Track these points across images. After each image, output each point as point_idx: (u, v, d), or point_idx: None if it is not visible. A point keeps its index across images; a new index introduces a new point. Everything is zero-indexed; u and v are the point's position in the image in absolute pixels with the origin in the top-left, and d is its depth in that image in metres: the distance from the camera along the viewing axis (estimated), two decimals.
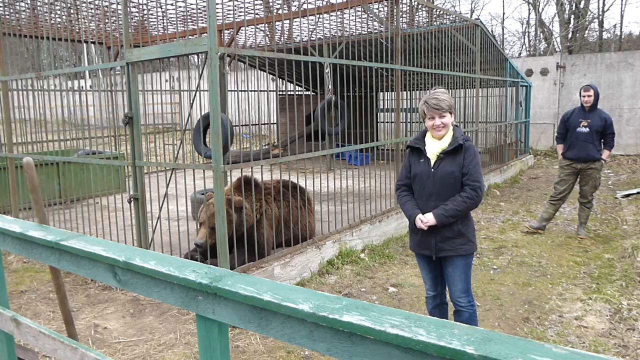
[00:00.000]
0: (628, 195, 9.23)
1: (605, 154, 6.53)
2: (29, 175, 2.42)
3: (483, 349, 1.07)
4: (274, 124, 13.38)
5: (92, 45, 9.72)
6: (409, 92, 9.16)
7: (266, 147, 10.90)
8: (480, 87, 9.83)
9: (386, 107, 13.74)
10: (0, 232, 2.55)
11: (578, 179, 6.75)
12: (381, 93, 13.95)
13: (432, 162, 3.34)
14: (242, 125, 12.14)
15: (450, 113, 3.28)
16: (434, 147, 3.35)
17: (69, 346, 2.33)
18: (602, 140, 6.54)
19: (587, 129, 6.45)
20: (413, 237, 3.51)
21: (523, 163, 12.68)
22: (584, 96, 6.51)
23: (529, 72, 15.64)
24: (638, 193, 9.22)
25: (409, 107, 9.05)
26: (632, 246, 5.81)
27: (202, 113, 5.18)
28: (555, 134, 7.17)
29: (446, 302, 3.70)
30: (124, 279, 1.93)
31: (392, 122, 11.20)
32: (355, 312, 1.30)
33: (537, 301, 4.72)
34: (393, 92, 12.73)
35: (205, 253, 4.46)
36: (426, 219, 3.30)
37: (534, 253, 6.14)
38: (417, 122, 10.02)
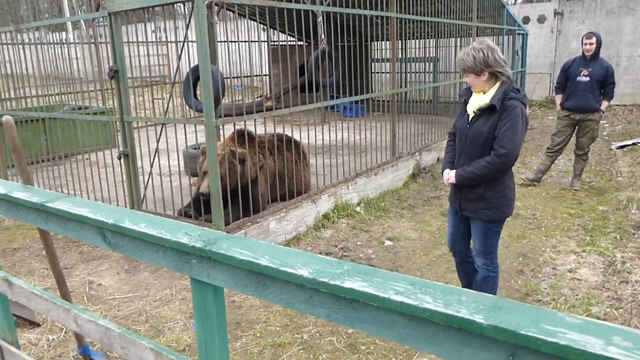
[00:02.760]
0: (623, 147, 9.20)
1: (604, 104, 6.43)
2: (9, 134, 2.30)
3: (493, 317, 1.02)
4: (265, 75, 13.07)
5: None
6: (404, 42, 8.92)
7: (259, 99, 10.68)
8: (476, 36, 9.56)
9: (380, 57, 13.41)
10: None
11: (575, 131, 6.68)
12: (375, 43, 13.59)
13: (470, 118, 3.20)
14: (233, 78, 11.86)
15: (477, 73, 3.04)
16: (473, 103, 3.18)
17: (61, 307, 2.28)
18: (602, 91, 6.42)
19: (588, 79, 6.31)
20: (450, 188, 3.47)
21: None
22: (585, 44, 6.33)
23: (526, 20, 15.25)
24: (634, 144, 9.18)
25: (404, 56, 8.83)
26: (627, 198, 5.81)
27: (192, 65, 4.99)
28: (554, 84, 7.02)
29: (469, 262, 3.58)
30: (114, 242, 1.86)
31: (387, 73, 10.95)
32: (358, 278, 1.24)
33: (531, 254, 4.74)
34: (388, 42, 12.40)
35: (204, 204, 4.37)
36: (447, 176, 3.29)
37: (529, 205, 6.14)
38: (413, 72, 9.81)
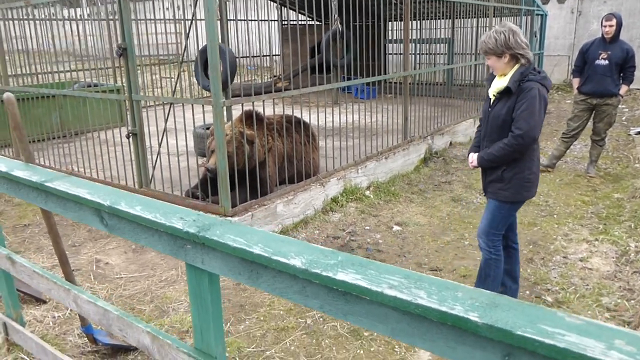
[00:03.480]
0: None
1: (623, 89, 6.24)
2: (10, 112, 2.28)
3: (488, 316, 0.97)
4: (277, 55, 12.93)
5: None
6: (418, 22, 8.72)
7: (270, 80, 10.59)
8: (494, 16, 9.33)
9: (395, 37, 13.18)
10: None
11: (592, 115, 6.51)
12: (391, 23, 13.35)
13: (491, 102, 3.25)
14: (243, 57, 11.76)
15: (499, 55, 3.06)
16: (493, 86, 3.21)
17: (62, 287, 2.28)
18: (622, 75, 6.23)
19: (607, 62, 6.12)
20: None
21: None
22: (605, 26, 6.14)
23: (545, 0, 14.85)
24: None
25: (418, 37, 8.64)
26: None
27: (204, 44, 4.92)
28: (572, 67, 6.83)
29: (513, 247, 3.59)
30: (111, 224, 1.83)
31: (400, 54, 10.76)
32: (351, 270, 1.20)
33: (542, 241, 4.66)
34: (399, 22, 12.18)
35: (211, 186, 4.35)
36: (471, 159, 3.38)
37: (542, 192, 6.02)
38: (427, 53, 9.63)
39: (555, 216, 5.26)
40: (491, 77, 3.31)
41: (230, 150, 4.27)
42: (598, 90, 6.23)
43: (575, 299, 3.65)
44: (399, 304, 1.07)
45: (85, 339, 3.04)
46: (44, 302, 3.55)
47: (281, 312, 3.44)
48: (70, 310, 3.44)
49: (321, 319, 3.37)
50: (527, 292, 3.81)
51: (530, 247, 4.55)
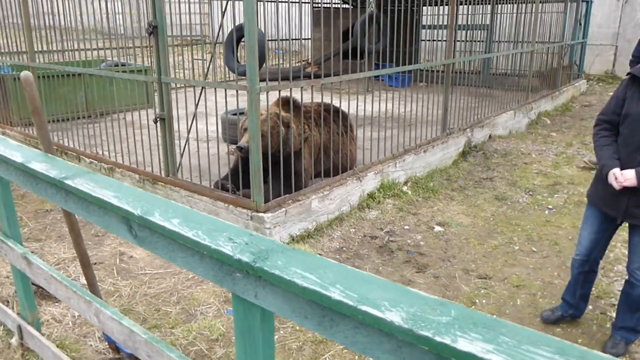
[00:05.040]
0: None
1: None
2: (29, 93, 1.98)
3: None
4: (307, 39, 12.52)
5: None
6: (458, 6, 8.26)
7: (299, 65, 10.22)
8: (539, 2, 8.77)
9: (430, 23, 12.64)
10: (3, 160, 2.16)
11: None
12: (425, 8, 12.80)
13: None
14: (271, 40, 11.38)
15: None
16: None
17: (82, 298, 1.98)
18: None
19: None
20: (598, 187, 2.95)
21: (575, 89, 11.70)
22: None
23: None
24: None
25: (457, 23, 8.18)
26: None
27: (234, 25, 4.59)
28: (630, 57, 6.30)
29: (596, 271, 3.20)
30: (142, 236, 1.51)
31: (437, 41, 10.28)
32: (475, 335, 0.86)
33: None
34: (439, 7, 11.64)
35: (243, 177, 4.03)
36: (624, 178, 2.68)
37: None
38: (468, 40, 9.16)
39: None
40: None
41: (264, 129, 3.94)
42: None
43: None
44: None
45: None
46: None
47: None
48: None
49: None
50: (590, 306, 3.44)
51: None
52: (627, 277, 3.03)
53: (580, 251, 3.10)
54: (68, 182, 1.72)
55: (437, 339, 0.85)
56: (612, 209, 2.85)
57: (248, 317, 1.27)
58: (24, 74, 1.97)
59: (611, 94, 11.45)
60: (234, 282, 1.23)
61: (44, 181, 1.91)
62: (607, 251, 4.25)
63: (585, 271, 3.13)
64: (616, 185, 2.70)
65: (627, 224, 2.96)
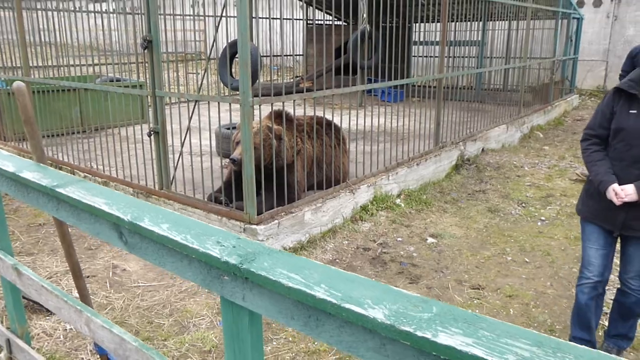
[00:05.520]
0: None
1: None
2: (21, 103, 2.00)
3: None
4: (300, 55, 12.64)
5: None
6: (451, 23, 8.37)
7: (292, 80, 10.31)
8: (530, 19, 8.92)
9: (419, 39, 12.81)
10: None
11: None
12: (417, 25, 12.98)
13: None
14: (268, 56, 11.49)
15: None
16: None
17: (73, 307, 1.98)
18: None
19: None
20: (589, 203, 2.86)
21: (567, 103, 11.83)
22: None
23: (580, 4, 14.33)
24: None
25: (449, 39, 8.29)
26: None
27: (228, 41, 4.65)
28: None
29: (605, 291, 3.01)
30: (132, 242, 1.53)
31: (426, 57, 10.38)
32: (456, 329, 0.88)
33: None
34: (430, 24, 11.80)
35: (236, 190, 4.06)
36: (625, 193, 2.61)
37: None
38: (459, 57, 9.27)
39: None
40: (637, 84, 2.66)
41: (257, 141, 3.97)
42: None
43: None
44: None
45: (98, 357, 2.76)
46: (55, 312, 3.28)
47: None
48: None
49: None
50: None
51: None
52: (619, 286, 3.01)
53: (592, 272, 2.90)
54: (60, 190, 1.73)
55: (419, 333, 0.87)
56: (608, 223, 2.80)
57: (236, 320, 1.28)
58: (17, 83, 1.99)
59: None
60: (222, 286, 1.25)
61: (35, 190, 1.93)
62: None
63: (599, 294, 2.95)
64: (617, 201, 2.64)
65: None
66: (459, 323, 0.89)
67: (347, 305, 0.97)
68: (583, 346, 0.81)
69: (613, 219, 2.75)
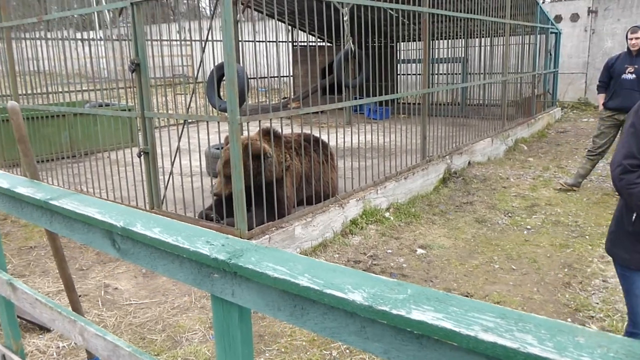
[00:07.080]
0: None
1: None
2: (15, 122, 2.08)
3: None
4: (288, 76, 12.83)
5: None
6: (433, 42, 8.59)
7: (279, 102, 10.45)
8: (509, 35, 9.17)
9: (406, 58, 13.07)
10: None
11: (619, 132, 6.26)
12: (401, 44, 13.26)
13: None
14: (253, 78, 11.65)
15: None
16: None
17: (67, 318, 2.03)
18: None
19: (634, 76, 5.91)
20: (629, 247, 2.38)
21: (550, 116, 12.08)
22: (630, 39, 5.94)
23: (558, 19, 14.72)
24: None
25: (431, 57, 8.51)
26: None
27: (215, 65, 4.77)
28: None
29: None
30: (124, 248, 1.60)
31: (412, 75, 10.59)
32: (428, 307, 0.95)
33: (577, 264, 4.38)
34: (415, 42, 12.04)
35: (226, 207, 4.13)
36: None
37: (570, 212, 5.75)
38: (443, 74, 9.47)
39: (587, 237, 4.98)
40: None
41: (227, 172, 4.11)
42: (626, 106, 5.98)
43: (623, 327, 3.35)
44: (501, 354, 0.82)
45: None
46: (48, 330, 3.30)
47: (304, 343, 3.17)
48: None
49: (347, 351, 3.09)
50: (569, 319, 3.52)
51: (566, 270, 4.26)
52: (626, 325, 2.63)
53: None
54: (53, 202, 1.80)
55: (394, 312, 0.94)
56: None
57: (226, 317, 1.34)
58: (11, 103, 2.06)
59: (585, 119, 11.82)
60: (212, 283, 1.31)
61: (29, 204, 1.99)
62: (584, 266, 4.39)
63: None
64: None
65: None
66: (431, 301, 0.97)
67: (329, 291, 1.04)
68: (542, 317, 0.89)
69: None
